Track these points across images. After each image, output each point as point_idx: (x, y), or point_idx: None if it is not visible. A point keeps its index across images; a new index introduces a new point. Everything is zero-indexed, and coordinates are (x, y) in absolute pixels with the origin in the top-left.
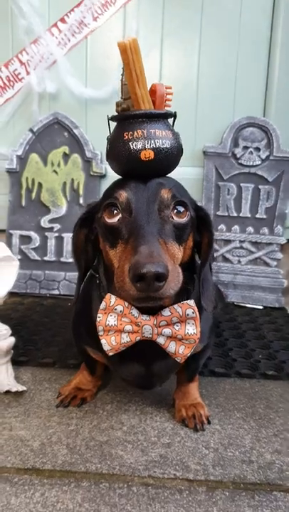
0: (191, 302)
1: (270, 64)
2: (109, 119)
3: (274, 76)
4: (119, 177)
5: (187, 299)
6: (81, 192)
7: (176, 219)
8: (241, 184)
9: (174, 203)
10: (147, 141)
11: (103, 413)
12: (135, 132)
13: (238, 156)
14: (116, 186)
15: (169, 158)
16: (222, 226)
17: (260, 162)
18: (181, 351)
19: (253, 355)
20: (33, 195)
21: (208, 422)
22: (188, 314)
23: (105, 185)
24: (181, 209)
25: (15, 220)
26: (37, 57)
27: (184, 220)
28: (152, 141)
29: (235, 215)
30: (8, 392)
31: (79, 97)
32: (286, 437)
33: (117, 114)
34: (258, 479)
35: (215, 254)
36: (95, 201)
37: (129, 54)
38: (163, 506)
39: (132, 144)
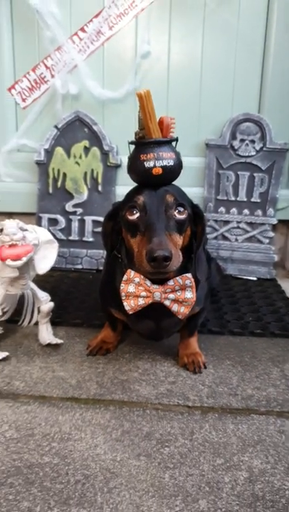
0: (189, 275)
1: (264, 66)
2: (129, 143)
3: (267, 77)
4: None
5: (186, 273)
6: (100, 180)
7: (178, 216)
8: (238, 172)
9: (176, 204)
10: (157, 161)
11: (123, 360)
12: (148, 155)
13: (235, 147)
14: (135, 192)
15: (173, 172)
16: (222, 209)
17: (254, 153)
18: (182, 310)
19: (244, 317)
20: (59, 183)
21: (205, 367)
22: (186, 283)
23: (120, 174)
24: (181, 209)
25: (43, 205)
26: (61, 63)
27: (183, 217)
28: (161, 161)
29: (233, 199)
30: (48, 344)
31: (97, 98)
32: (265, 378)
33: (135, 140)
34: (240, 406)
35: (216, 234)
36: (119, 201)
37: (144, 100)
38: (169, 422)
39: (146, 163)
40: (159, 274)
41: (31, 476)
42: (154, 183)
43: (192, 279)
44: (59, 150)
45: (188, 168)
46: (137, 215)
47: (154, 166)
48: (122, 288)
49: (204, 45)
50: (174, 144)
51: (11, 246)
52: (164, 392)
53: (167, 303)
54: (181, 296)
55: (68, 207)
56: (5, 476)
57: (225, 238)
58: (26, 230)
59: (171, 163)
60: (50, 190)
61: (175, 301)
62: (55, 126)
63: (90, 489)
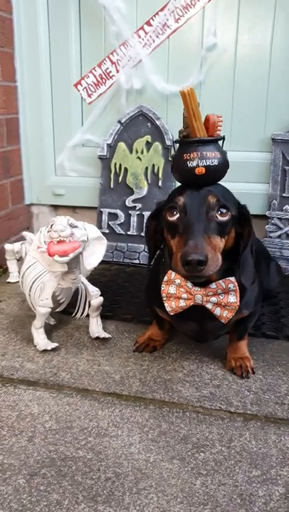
0: (233, 278)
1: None
2: (174, 142)
3: None
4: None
5: (232, 276)
6: (160, 176)
7: (219, 218)
8: None
9: (218, 206)
10: (200, 161)
11: (169, 359)
12: (192, 154)
13: None
14: (177, 193)
15: (217, 172)
16: (287, 207)
17: None
18: (225, 315)
19: None
20: (120, 178)
21: (253, 372)
22: (229, 287)
23: None
24: (224, 210)
25: (104, 200)
26: (125, 57)
27: (226, 218)
28: (204, 161)
29: None
30: (97, 338)
31: (161, 92)
32: None
33: (179, 139)
34: (285, 416)
35: (279, 233)
36: (162, 200)
37: (188, 98)
38: (208, 427)
39: (189, 163)
40: (195, 278)
41: (64, 469)
42: (197, 183)
43: (236, 283)
44: (121, 145)
45: (253, 163)
46: (177, 215)
47: (197, 166)
48: (162, 289)
49: (274, 35)
50: (220, 142)
51: (59, 242)
52: (207, 395)
53: (209, 306)
54: (224, 300)
55: (128, 202)
56: (39, 466)
57: None
58: (76, 226)
59: (216, 162)
60: (112, 185)
61: (218, 304)
62: (119, 121)
63: (119, 488)
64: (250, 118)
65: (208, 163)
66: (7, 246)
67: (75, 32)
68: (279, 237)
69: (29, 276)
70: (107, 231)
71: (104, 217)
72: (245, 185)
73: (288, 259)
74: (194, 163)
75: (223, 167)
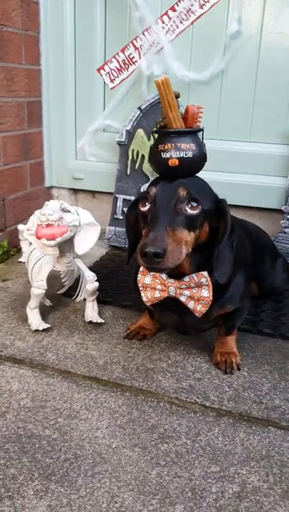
0: (205, 273)
1: None
2: (152, 133)
3: None
4: None
5: (209, 271)
6: None
7: (189, 211)
8: None
9: (189, 199)
10: (174, 152)
11: (157, 348)
12: (166, 145)
13: None
14: (151, 183)
15: (191, 164)
16: None
17: None
18: (198, 308)
19: None
20: (137, 165)
21: (238, 369)
22: (202, 282)
23: None
24: (194, 204)
25: (120, 186)
26: (148, 43)
27: (195, 212)
28: (178, 152)
29: None
30: (90, 322)
31: (181, 79)
32: None
33: (156, 129)
34: (260, 416)
35: None
36: (144, 191)
37: (162, 88)
38: (178, 419)
39: (163, 154)
40: (154, 270)
41: (27, 446)
42: (171, 174)
43: (208, 278)
44: (140, 132)
45: (272, 156)
46: (148, 206)
47: (171, 157)
48: (138, 279)
49: None
50: (200, 134)
51: (48, 226)
52: (185, 387)
53: (182, 299)
54: (197, 293)
55: (143, 189)
56: (4, 441)
57: None
58: (68, 211)
59: (190, 154)
60: (128, 172)
61: (191, 298)
62: (139, 108)
63: (75, 469)
64: (272, 109)
65: (181, 155)
66: (20, 226)
67: (100, 17)
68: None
69: (33, 257)
70: (121, 217)
71: (119, 203)
72: (263, 178)
73: None
74: (168, 155)
75: (199, 160)
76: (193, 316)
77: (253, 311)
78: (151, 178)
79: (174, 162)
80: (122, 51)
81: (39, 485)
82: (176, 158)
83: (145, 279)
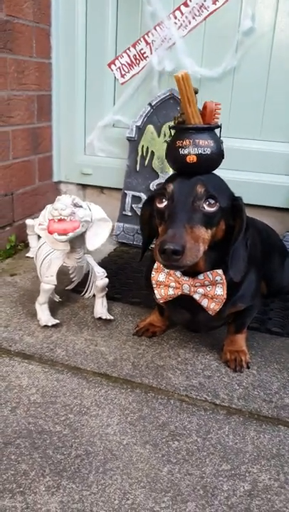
0: (220, 271)
1: None
2: (170, 128)
3: None
4: None
5: (224, 269)
6: None
7: (206, 209)
8: None
9: (206, 196)
10: (192, 149)
11: (166, 345)
12: (184, 141)
13: None
14: (168, 180)
15: (209, 161)
16: None
17: None
18: (212, 307)
19: None
20: (146, 161)
21: (248, 367)
22: (216, 280)
23: None
24: (212, 201)
25: (129, 182)
26: (160, 39)
27: (213, 209)
28: (196, 149)
29: None
30: (100, 318)
31: (193, 76)
32: None
33: (174, 125)
34: (270, 414)
35: None
36: (160, 187)
37: (182, 83)
38: (188, 416)
39: (181, 150)
40: (172, 267)
41: (38, 442)
42: (189, 171)
43: (223, 276)
44: (150, 128)
45: (281, 154)
46: (165, 203)
47: (189, 154)
48: (152, 276)
49: None
50: (217, 131)
51: (59, 220)
52: (195, 384)
53: (196, 297)
54: (211, 292)
55: (152, 186)
56: (15, 436)
57: None
58: (80, 206)
59: (208, 151)
60: (138, 168)
61: (205, 296)
62: (149, 104)
63: (86, 466)
64: (282, 108)
65: (200, 151)
66: (28, 221)
67: (112, 11)
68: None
69: (42, 252)
70: (129, 214)
71: (128, 199)
72: (272, 176)
73: None
74: (186, 151)
75: (216, 156)
76: (205, 314)
77: (261, 309)
78: (161, 175)
79: (192, 159)
80: (134, 46)
81: (51, 481)
82: (195, 154)
83: (159, 276)
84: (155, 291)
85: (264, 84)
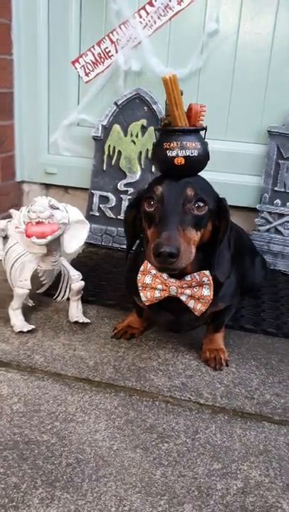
0: (207, 272)
1: None
2: (155, 130)
3: None
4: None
5: (209, 270)
6: None
7: (196, 211)
8: None
9: (196, 199)
10: (180, 151)
11: (146, 347)
12: (172, 143)
13: None
14: (155, 182)
15: (196, 163)
16: (277, 201)
17: None
18: (198, 307)
19: (281, 317)
20: (113, 161)
21: (227, 365)
22: (204, 281)
23: None
24: (201, 204)
25: (96, 182)
26: (125, 38)
27: (202, 212)
28: (184, 151)
29: None
30: (76, 322)
31: (159, 76)
32: (287, 385)
33: (160, 127)
34: (253, 411)
35: (268, 226)
36: (142, 189)
37: (170, 86)
38: (175, 417)
39: (169, 152)
40: (167, 270)
41: (26, 452)
42: (176, 173)
43: (210, 277)
44: (116, 127)
45: (246, 155)
46: (154, 206)
47: (177, 156)
48: (138, 278)
49: (277, 24)
50: (202, 133)
51: (37, 223)
52: (178, 385)
53: (183, 298)
54: (198, 292)
55: (120, 186)
56: (1, 448)
57: (277, 232)
58: (57, 208)
59: (195, 153)
60: (104, 168)
61: (191, 297)
62: (115, 103)
63: (78, 474)
64: (247, 108)
65: (187, 153)
66: None
67: (76, 7)
68: (268, 231)
69: (12, 255)
70: (97, 214)
71: (96, 199)
72: (238, 176)
73: (275, 254)
74: (174, 153)
75: (203, 158)
76: (188, 315)
77: None
78: (129, 175)
79: (180, 161)
80: (98, 44)
81: (44, 492)
82: (182, 156)
83: (145, 278)
84: (141, 294)
85: (229, 85)
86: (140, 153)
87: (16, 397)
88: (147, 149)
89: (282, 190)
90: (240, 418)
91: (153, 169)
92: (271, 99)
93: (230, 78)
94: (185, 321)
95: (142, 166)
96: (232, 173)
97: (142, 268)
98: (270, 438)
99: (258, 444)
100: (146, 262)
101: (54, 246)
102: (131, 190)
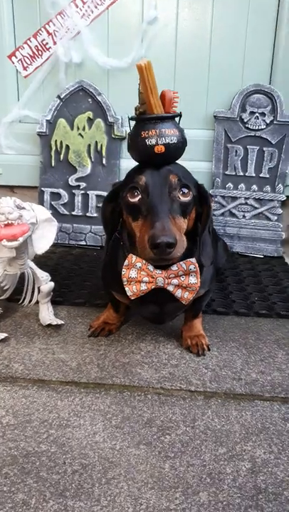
0: (193, 260)
1: (277, 34)
2: (129, 119)
3: (280, 46)
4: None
5: (191, 257)
6: (104, 153)
7: (182, 198)
8: (247, 146)
9: (180, 185)
10: (159, 139)
11: (125, 341)
12: (150, 131)
13: (245, 120)
14: (136, 172)
15: (176, 150)
16: (229, 184)
17: (264, 126)
18: (185, 296)
19: (249, 297)
20: (62, 156)
21: (208, 349)
22: (190, 269)
23: (125, 147)
24: (186, 190)
25: (46, 179)
26: (63, 28)
27: (188, 199)
28: (163, 138)
29: (241, 174)
30: (49, 325)
31: (102, 67)
32: (270, 362)
33: (135, 116)
34: (244, 391)
35: (222, 210)
36: (119, 181)
37: (145, 73)
38: (170, 408)
39: (148, 141)
40: (163, 261)
41: (27, 466)
42: (157, 162)
43: (196, 264)
44: (62, 121)
45: (196, 141)
46: (139, 197)
47: (156, 144)
48: (123, 273)
49: (214, 10)
50: (177, 119)
51: (6, 226)
52: (166, 375)
53: (171, 288)
54: (185, 281)
55: (71, 181)
56: (0, 465)
57: (232, 215)
58: (23, 208)
59: (175, 140)
60: (53, 163)
61: (179, 286)
62: (58, 97)
63: (87, 480)
64: (192, 95)
65: (167, 140)
66: None
67: None
68: (222, 214)
69: None
70: (50, 212)
71: (47, 197)
72: (189, 163)
73: (232, 237)
74: (153, 141)
75: (182, 145)
76: (174, 305)
77: None
78: (79, 169)
79: (160, 149)
80: (35, 36)
81: (55, 504)
82: (162, 144)
83: (130, 273)
84: (126, 289)
85: (172, 72)
86: (89, 146)
87: (2, 410)
88: (96, 142)
89: (233, 173)
90: (233, 400)
91: (104, 162)
92: (215, 84)
93: (173, 65)
94: (169, 311)
95: (92, 160)
96: (183, 161)
97: (126, 263)
98: (266, 415)
99: (256, 423)
100: (130, 255)
101: (22, 248)
102: (83, 184)
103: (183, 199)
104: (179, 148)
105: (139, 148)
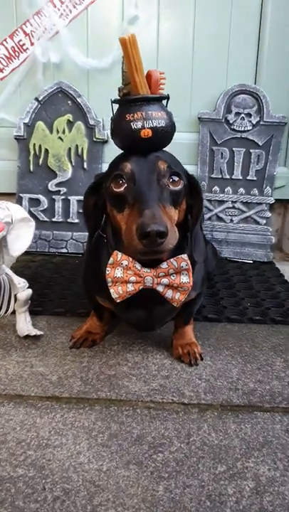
0: (185, 256)
1: (261, 35)
2: (112, 102)
3: (264, 45)
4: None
5: (182, 254)
6: (85, 157)
7: (172, 187)
8: (234, 148)
9: (170, 173)
10: (146, 122)
11: (111, 352)
12: (135, 114)
13: (230, 121)
14: (121, 160)
15: (165, 135)
16: (216, 188)
17: (251, 127)
18: (176, 297)
19: (241, 303)
20: (41, 161)
21: (201, 358)
22: (182, 266)
23: (107, 150)
24: (176, 178)
25: (24, 185)
26: (40, 28)
27: (178, 187)
28: (150, 121)
29: (227, 177)
30: (27, 336)
31: (81, 67)
32: (267, 370)
33: (119, 98)
34: (242, 402)
35: (209, 215)
36: (102, 172)
37: (129, 47)
38: (162, 423)
39: (133, 124)
40: (153, 254)
41: (1, 494)
42: (143, 147)
43: (188, 261)
44: (40, 124)
45: (180, 144)
46: (125, 185)
47: (143, 127)
48: (107, 273)
49: (197, 9)
50: (164, 102)
51: None
52: (156, 388)
53: (160, 289)
54: (176, 280)
55: (51, 186)
56: None
57: (219, 219)
58: None
59: (163, 123)
60: (31, 168)
61: (169, 286)
62: (36, 99)
63: (70, 508)
64: (175, 96)
65: (154, 124)
66: None
67: None
68: (209, 219)
69: None
70: None
71: (25, 203)
72: None
73: (220, 242)
74: (139, 125)
75: (170, 129)
76: (163, 308)
77: None
78: (59, 174)
79: (146, 133)
80: (11, 37)
81: None
82: (149, 128)
83: (116, 272)
84: (111, 291)
85: None
86: (69, 149)
87: None
88: (76, 145)
89: (220, 176)
90: (231, 412)
91: (85, 166)
92: (198, 85)
93: (155, 66)
94: (159, 316)
95: (73, 164)
96: None
97: (110, 260)
98: (267, 428)
99: (257, 436)
100: (115, 252)
101: None
102: (64, 190)
103: (173, 187)
104: (167, 132)
105: (123, 133)
